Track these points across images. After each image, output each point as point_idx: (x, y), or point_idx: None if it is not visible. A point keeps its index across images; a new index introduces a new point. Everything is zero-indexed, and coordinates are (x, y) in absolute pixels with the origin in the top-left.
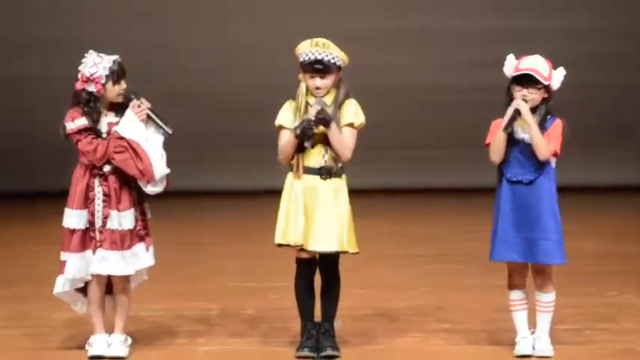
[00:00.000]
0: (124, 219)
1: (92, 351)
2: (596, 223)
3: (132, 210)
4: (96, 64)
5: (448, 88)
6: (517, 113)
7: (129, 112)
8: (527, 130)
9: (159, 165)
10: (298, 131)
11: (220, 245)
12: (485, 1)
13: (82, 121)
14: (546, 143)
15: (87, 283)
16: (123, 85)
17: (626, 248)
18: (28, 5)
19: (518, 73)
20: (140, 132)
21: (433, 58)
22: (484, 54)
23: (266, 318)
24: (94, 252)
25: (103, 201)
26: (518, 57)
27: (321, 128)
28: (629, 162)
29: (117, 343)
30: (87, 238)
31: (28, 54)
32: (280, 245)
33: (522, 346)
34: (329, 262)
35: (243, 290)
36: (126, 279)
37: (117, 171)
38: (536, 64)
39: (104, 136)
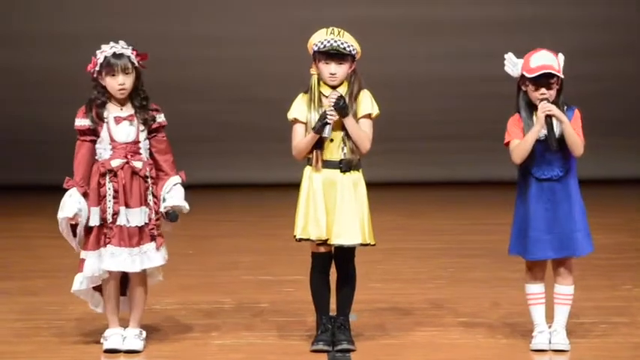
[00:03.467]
0: (132, 216)
1: (107, 344)
2: (611, 216)
3: (142, 208)
4: (102, 51)
5: (462, 78)
6: (550, 118)
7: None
8: (563, 129)
9: None
10: (317, 126)
11: (235, 238)
12: None
13: (80, 122)
14: (579, 136)
15: (103, 281)
16: (120, 80)
17: (636, 241)
18: None
19: (537, 74)
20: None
21: (448, 48)
22: (499, 43)
23: (281, 311)
24: (104, 248)
25: (114, 197)
26: (518, 55)
27: (338, 120)
28: (632, 154)
29: (132, 336)
30: (101, 236)
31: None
32: (301, 240)
33: (539, 340)
34: (346, 256)
35: (257, 283)
36: (142, 274)
37: (126, 167)
38: (548, 59)
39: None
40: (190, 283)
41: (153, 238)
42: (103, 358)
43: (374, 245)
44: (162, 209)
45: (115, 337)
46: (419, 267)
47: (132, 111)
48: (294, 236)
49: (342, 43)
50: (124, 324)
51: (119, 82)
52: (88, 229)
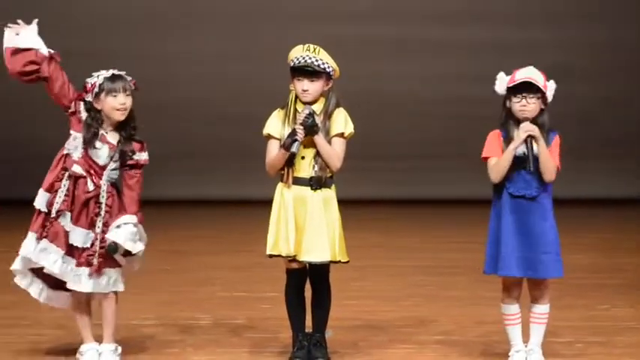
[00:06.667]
0: (74, 234)
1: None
2: (586, 235)
3: (87, 231)
4: (97, 75)
5: (438, 98)
6: (530, 138)
7: None
8: (539, 152)
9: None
10: (286, 142)
11: (211, 255)
12: (475, 13)
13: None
14: (553, 162)
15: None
16: (121, 99)
17: (617, 261)
18: None
19: (517, 82)
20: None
21: (425, 69)
22: (475, 65)
23: (257, 328)
24: (41, 240)
25: (65, 195)
26: (508, 73)
27: (309, 138)
28: (618, 175)
29: (107, 352)
30: (44, 225)
31: None
32: (271, 256)
33: (516, 359)
34: (319, 272)
35: (234, 300)
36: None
37: (82, 181)
38: (532, 73)
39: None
40: (167, 299)
41: (88, 264)
42: None
43: (346, 262)
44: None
45: (90, 352)
46: (395, 284)
47: (116, 140)
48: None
49: (315, 60)
50: (99, 339)
51: (120, 102)
52: (37, 211)
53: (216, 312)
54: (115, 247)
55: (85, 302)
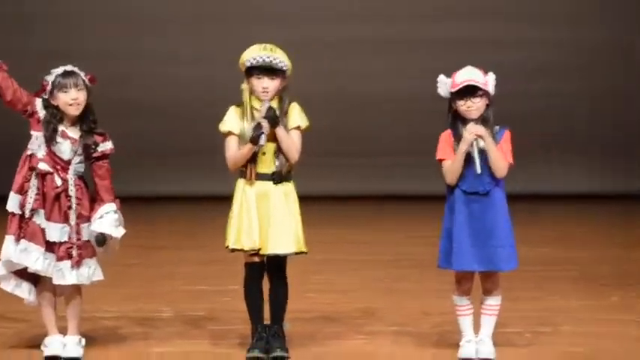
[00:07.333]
0: (49, 230)
1: (48, 351)
2: (539, 229)
3: (62, 225)
4: (51, 73)
5: (401, 95)
6: (477, 139)
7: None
8: (487, 151)
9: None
10: (254, 135)
11: (173, 249)
12: (450, 9)
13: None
14: (504, 159)
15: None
16: (72, 94)
17: (568, 254)
18: None
19: (459, 87)
20: None
21: (390, 65)
22: (442, 62)
23: (217, 320)
24: (19, 241)
25: (36, 194)
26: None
27: (270, 133)
28: (571, 170)
29: (71, 344)
30: (20, 227)
31: None
32: (233, 250)
33: (466, 349)
34: (277, 265)
35: (195, 293)
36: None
37: (49, 177)
38: (472, 74)
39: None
40: (130, 292)
41: (69, 257)
42: None
43: (306, 253)
44: (89, 231)
45: (55, 344)
46: (352, 278)
47: (77, 134)
48: (227, 247)
49: (274, 59)
50: (64, 331)
51: (72, 97)
52: (11, 214)
53: (179, 305)
54: (102, 237)
55: (50, 295)
